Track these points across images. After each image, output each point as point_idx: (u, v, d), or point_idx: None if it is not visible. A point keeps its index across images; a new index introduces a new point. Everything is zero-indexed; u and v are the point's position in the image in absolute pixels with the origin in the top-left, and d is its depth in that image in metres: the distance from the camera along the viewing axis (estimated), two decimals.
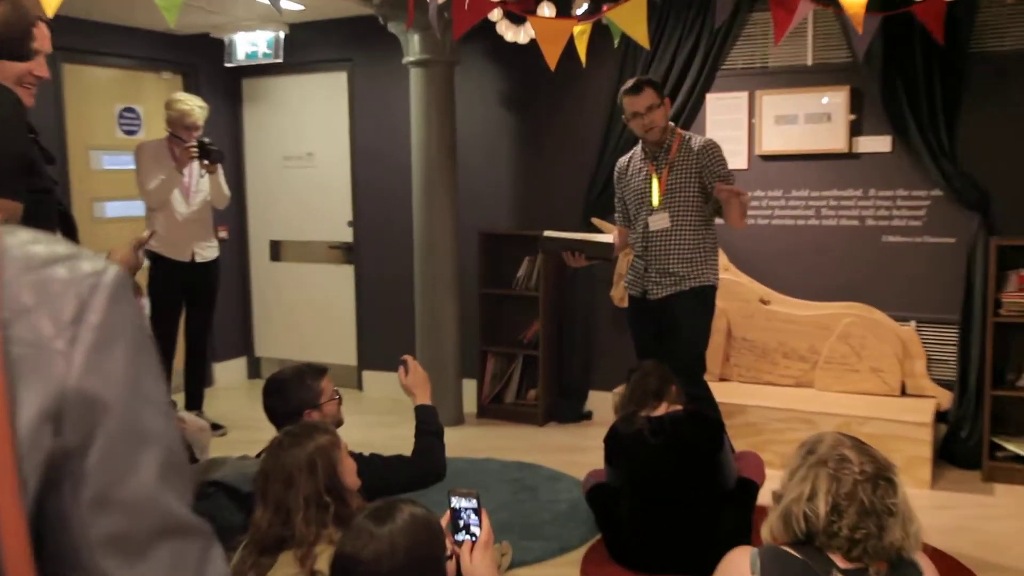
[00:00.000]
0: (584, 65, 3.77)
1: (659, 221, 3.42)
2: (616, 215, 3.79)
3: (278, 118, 5.83)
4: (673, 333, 3.47)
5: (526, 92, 5.10)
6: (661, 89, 3.50)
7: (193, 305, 4.73)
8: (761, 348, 4.54)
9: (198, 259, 4.65)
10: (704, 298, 3.48)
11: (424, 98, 4.71)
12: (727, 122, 4.64)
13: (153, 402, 0.63)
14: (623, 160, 3.72)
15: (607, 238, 3.53)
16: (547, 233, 3.55)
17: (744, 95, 4.60)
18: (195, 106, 4.51)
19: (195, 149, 4.47)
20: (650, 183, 3.52)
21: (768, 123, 4.54)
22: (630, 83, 3.47)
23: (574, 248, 3.45)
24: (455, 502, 1.68)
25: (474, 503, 1.68)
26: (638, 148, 3.61)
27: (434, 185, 4.77)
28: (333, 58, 5.55)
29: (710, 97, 4.65)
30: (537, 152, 5.15)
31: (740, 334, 4.58)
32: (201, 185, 4.66)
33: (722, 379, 4.59)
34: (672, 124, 3.57)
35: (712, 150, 3.44)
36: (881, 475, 1.61)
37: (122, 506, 0.60)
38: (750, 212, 4.60)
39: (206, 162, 4.55)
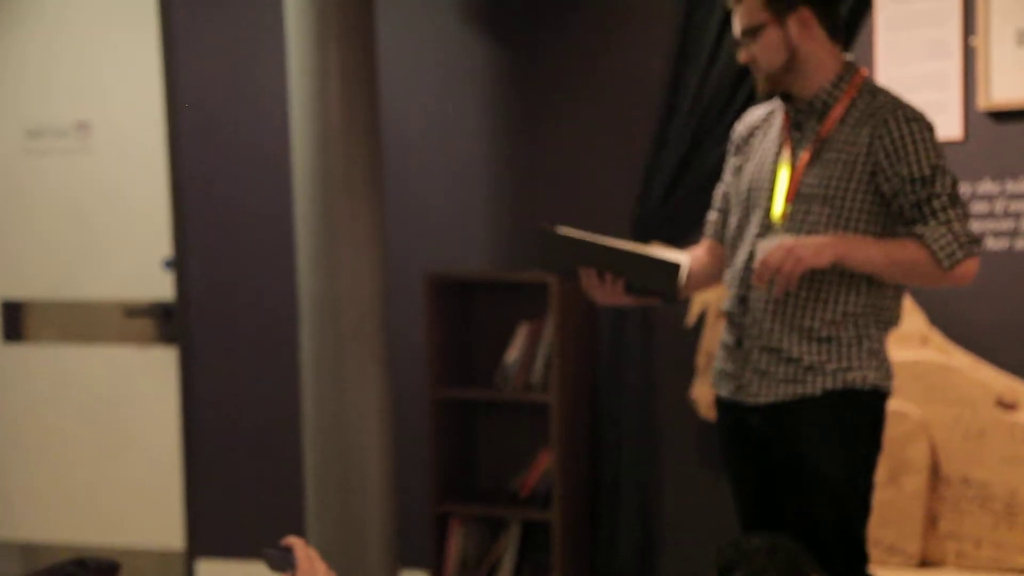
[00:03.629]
0: None
1: None
2: (709, 215, 3.77)
3: (16, 58, 5.86)
4: (794, 481, 3.46)
5: (518, 7, 5.17)
6: None
7: None
8: (1006, 501, 4.42)
9: None
10: (855, 413, 3.45)
11: (316, 23, 4.69)
12: (918, 47, 4.63)
13: None
14: (754, 116, 3.69)
15: (675, 256, 3.55)
16: (560, 231, 3.57)
17: None
18: None
19: None
20: (775, 172, 3.44)
21: (1004, 45, 4.52)
22: None
23: (605, 264, 3.45)
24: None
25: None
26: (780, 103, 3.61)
27: (337, 188, 4.74)
28: None
29: (881, 0, 4.64)
30: (539, 126, 5.21)
31: (960, 472, 4.48)
32: None
33: (925, 564, 4.54)
34: (847, 60, 3.47)
35: (903, 130, 3.33)
36: None
37: None
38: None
39: None
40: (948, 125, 4.43)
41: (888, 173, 3.28)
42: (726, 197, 3.67)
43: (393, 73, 5.09)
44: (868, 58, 4.59)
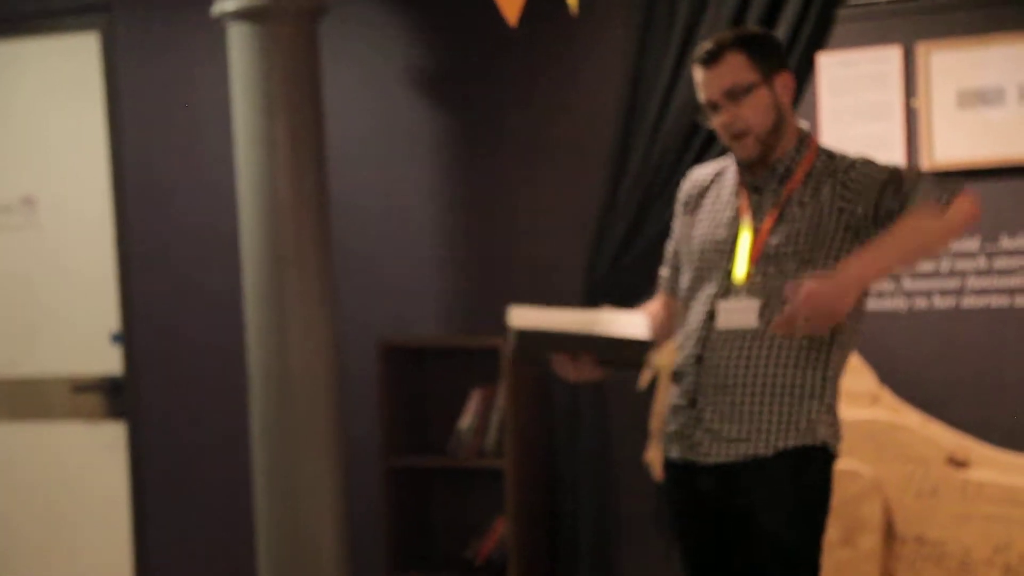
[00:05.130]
0: (574, 11, 3.94)
1: (737, 313, 3.40)
2: (661, 271, 3.76)
3: None
4: (744, 544, 3.42)
5: (466, 72, 5.20)
6: (768, 52, 3.43)
7: None
8: (960, 559, 4.42)
9: None
10: (805, 474, 3.42)
11: (260, 84, 4.65)
12: (861, 108, 4.67)
13: None
14: (702, 174, 3.67)
15: (638, 326, 3.49)
16: (518, 321, 3.45)
17: (894, 52, 4.64)
18: None
19: None
20: (735, 233, 3.42)
21: (945, 106, 4.57)
22: (705, 44, 3.45)
23: (574, 348, 3.42)
24: None
25: None
26: (732, 162, 3.58)
27: (286, 258, 4.70)
28: (71, 6, 5.56)
29: (825, 61, 4.66)
30: (488, 191, 5.23)
31: (914, 531, 4.47)
32: None
33: None
34: (803, 129, 3.51)
35: (859, 168, 3.40)
36: None
37: None
38: (911, 287, 4.65)
39: None
40: None
41: (864, 202, 3.30)
42: (677, 254, 3.66)
43: (341, 142, 5.06)
44: (811, 120, 4.57)
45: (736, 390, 3.36)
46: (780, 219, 3.38)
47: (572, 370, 3.43)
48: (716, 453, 3.37)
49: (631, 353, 3.41)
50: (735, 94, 3.33)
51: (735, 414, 3.36)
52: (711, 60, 3.36)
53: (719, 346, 3.38)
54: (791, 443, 3.33)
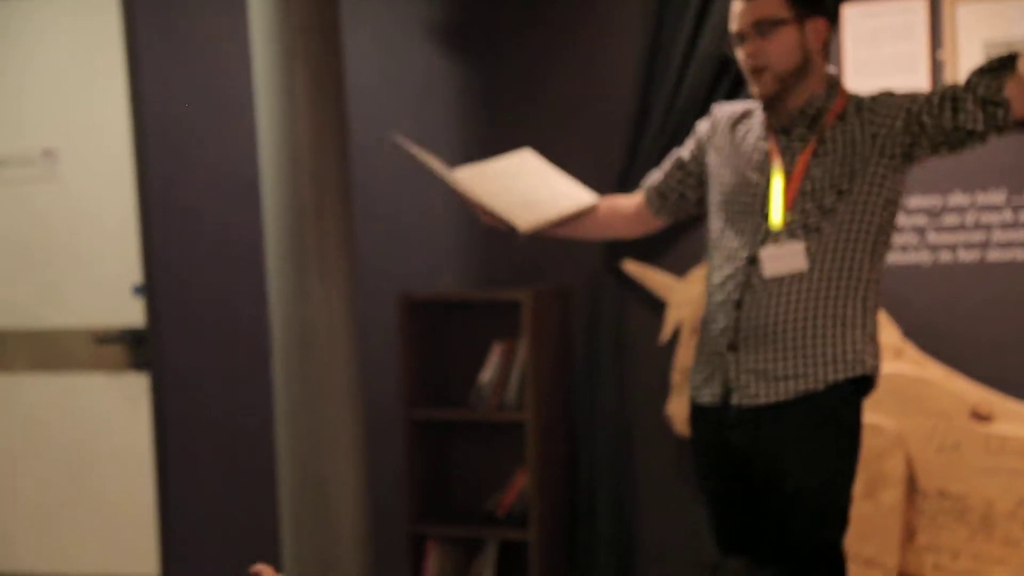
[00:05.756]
0: None
1: (782, 258, 3.43)
2: (654, 173, 3.89)
3: None
4: (775, 491, 3.43)
5: (489, 23, 5.19)
6: None
7: None
8: (982, 512, 4.42)
9: None
10: (848, 411, 3.44)
11: (282, 45, 4.62)
12: (886, 59, 4.64)
13: None
14: (729, 110, 3.70)
15: (555, 202, 3.80)
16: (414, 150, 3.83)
17: (920, 4, 4.61)
18: None
19: None
20: (767, 177, 3.45)
21: (971, 58, 4.50)
22: None
23: (466, 196, 3.78)
24: None
25: None
26: (758, 105, 3.60)
27: (307, 210, 4.67)
28: None
29: (850, 12, 4.67)
30: (510, 142, 5.03)
31: (936, 485, 4.48)
32: None
33: None
34: (833, 75, 3.52)
35: (877, 98, 3.45)
36: None
37: None
38: (935, 240, 4.65)
39: None
40: None
41: (899, 115, 3.31)
42: (679, 165, 3.74)
43: (361, 93, 5.09)
44: (836, 72, 4.56)
45: (779, 328, 3.38)
46: (814, 158, 3.38)
47: (480, 213, 3.77)
48: (765, 393, 3.40)
49: (505, 223, 3.68)
50: (763, 27, 3.35)
51: (782, 352, 3.39)
52: None
53: (761, 290, 3.41)
54: (841, 376, 3.36)
